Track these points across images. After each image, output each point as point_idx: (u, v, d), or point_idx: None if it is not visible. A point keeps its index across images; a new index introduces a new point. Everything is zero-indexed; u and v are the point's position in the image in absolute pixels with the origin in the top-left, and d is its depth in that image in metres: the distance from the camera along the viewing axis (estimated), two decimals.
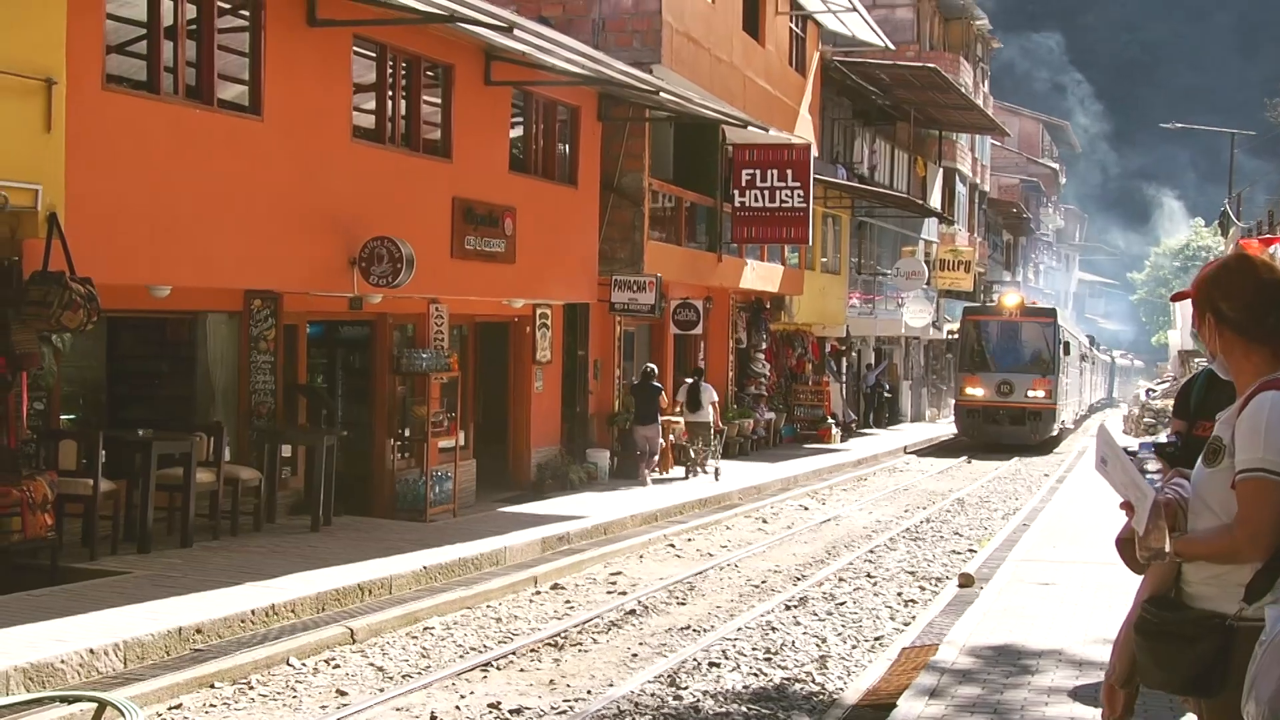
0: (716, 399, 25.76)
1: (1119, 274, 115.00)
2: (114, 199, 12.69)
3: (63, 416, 14.31)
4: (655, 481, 23.36)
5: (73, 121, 11.73)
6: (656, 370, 24.62)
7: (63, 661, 9.47)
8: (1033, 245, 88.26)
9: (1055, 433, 39.94)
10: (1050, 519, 18.81)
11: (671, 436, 25.17)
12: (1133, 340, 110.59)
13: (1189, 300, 4.39)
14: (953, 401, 41.66)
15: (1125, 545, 4.35)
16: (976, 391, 38.07)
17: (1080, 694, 8.61)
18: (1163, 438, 6.77)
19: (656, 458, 23.94)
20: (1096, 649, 9.72)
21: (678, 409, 25.25)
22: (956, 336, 41.35)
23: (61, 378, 13.66)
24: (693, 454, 25.20)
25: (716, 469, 25.05)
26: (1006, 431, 37.63)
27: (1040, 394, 37.77)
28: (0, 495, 11.78)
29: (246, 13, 14.78)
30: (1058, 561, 14.47)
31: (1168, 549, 4.11)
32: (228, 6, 14.65)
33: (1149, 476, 4.34)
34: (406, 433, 18.18)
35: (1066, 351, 40.00)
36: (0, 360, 11.70)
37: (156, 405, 16.07)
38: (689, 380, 25.80)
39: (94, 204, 12.26)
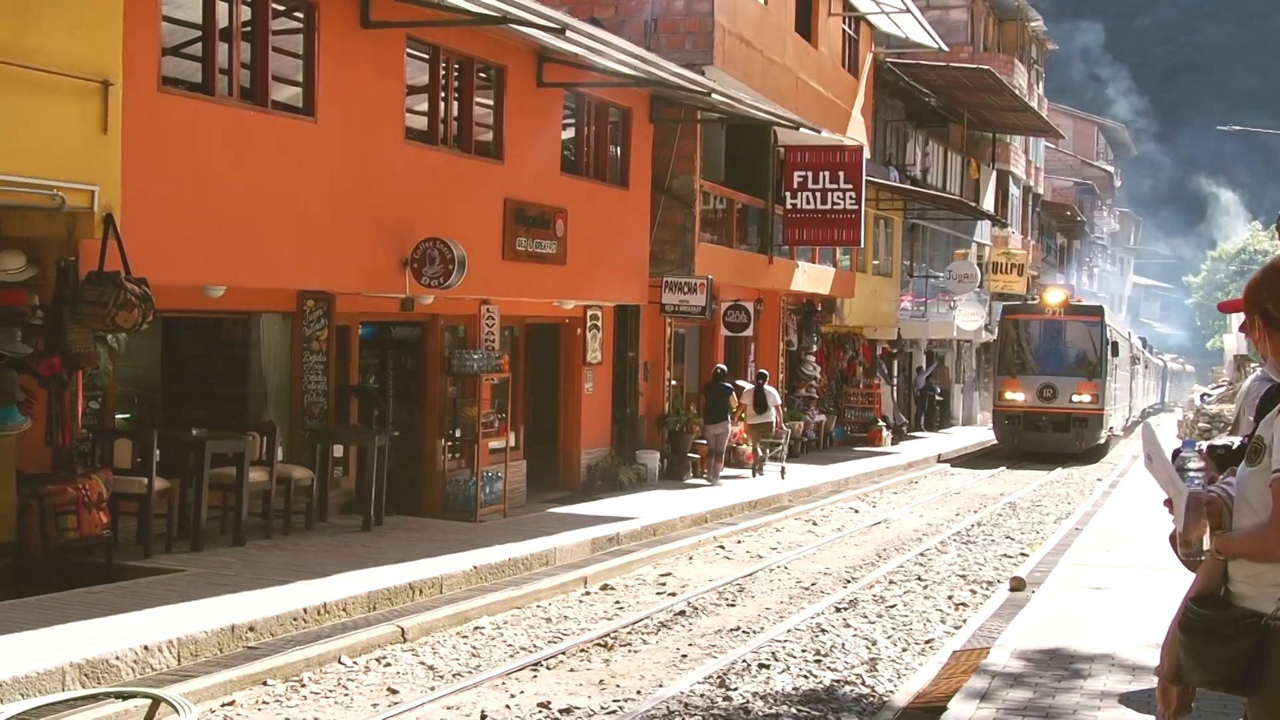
0: (780, 402, 26.36)
1: (1175, 278, 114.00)
2: (169, 199, 12.81)
3: (118, 416, 14.45)
4: (693, 483, 23.38)
5: (129, 123, 11.83)
6: (727, 370, 25.08)
7: (118, 658, 9.55)
8: (1087, 248, 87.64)
9: (1102, 440, 37.17)
10: (1103, 523, 18.66)
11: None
12: (1188, 345, 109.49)
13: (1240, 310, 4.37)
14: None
15: (1174, 542, 4.37)
16: (1016, 396, 35.62)
17: (1133, 699, 8.54)
18: (1219, 440, 6.71)
19: (721, 458, 24.35)
20: (1149, 654, 9.62)
21: (744, 410, 25.61)
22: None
23: (117, 377, 13.77)
24: (760, 453, 25.64)
25: (782, 468, 25.61)
26: (1049, 439, 35.18)
27: (1086, 398, 35.26)
28: (57, 493, 11.91)
29: (300, 15, 14.89)
30: (1110, 566, 14.35)
31: (1207, 546, 4.13)
32: (282, 9, 14.75)
33: (1189, 474, 4.35)
34: (457, 433, 18.22)
35: (1115, 352, 37.38)
36: (56, 360, 11.80)
37: (210, 405, 16.18)
38: (740, 383, 25.86)
39: (149, 204, 12.37)
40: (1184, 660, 4.26)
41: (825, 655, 11.23)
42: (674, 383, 25.43)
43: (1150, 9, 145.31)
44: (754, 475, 25.22)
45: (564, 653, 11.21)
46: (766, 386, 25.97)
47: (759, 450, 25.69)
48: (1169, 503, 4.25)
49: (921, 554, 17.47)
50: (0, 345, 11.55)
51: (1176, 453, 4.54)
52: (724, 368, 25.04)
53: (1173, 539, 4.42)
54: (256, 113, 14.08)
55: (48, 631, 10.00)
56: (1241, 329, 4.52)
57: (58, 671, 9.04)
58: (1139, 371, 54.70)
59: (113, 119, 11.59)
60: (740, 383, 26.18)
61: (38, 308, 11.92)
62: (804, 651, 11.36)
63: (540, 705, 9.48)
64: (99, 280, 11.69)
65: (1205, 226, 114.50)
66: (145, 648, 9.81)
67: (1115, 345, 37.40)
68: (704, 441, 24.49)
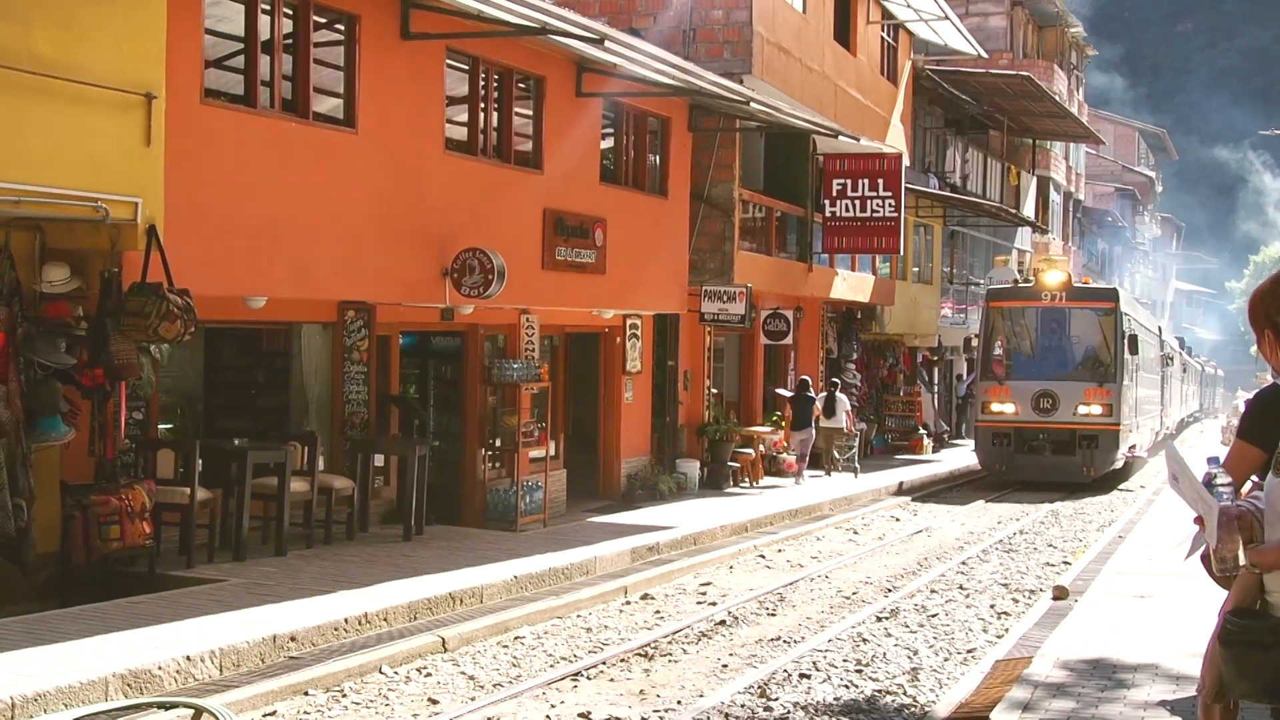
0: (850, 408, 27.70)
1: (1217, 283, 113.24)
2: (212, 211, 12.89)
3: (160, 426, 14.52)
4: (733, 491, 23.43)
5: (172, 135, 11.91)
6: (810, 381, 26.71)
7: (160, 668, 9.61)
8: (1128, 254, 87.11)
9: (1119, 464, 29.18)
10: (1147, 531, 18.54)
11: (762, 447, 25.27)
12: (1224, 349, 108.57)
13: None
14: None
15: (1207, 561, 4.34)
16: (1005, 408, 28.13)
17: (1177, 708, 8.48)
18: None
19: (805, 459, 26.03)
20: (1194, 663, 9.50)
21: (816, 416, 26.70)
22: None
23: (159, 388, 13.85)
24: (834, 454, 27.21)
25: (855, 468, 27.16)
26: (1048, 463, 27.76)
27: (1096, 410, 27.71)
28: (100, 504, 11.98)
29: (341, 27, 14.96)
30: (1154, 574, 14.24)
31: (1241, 560, 4.11)
32: (323, 21, 14.83)
33: (1218, 489, 4.33)
34: (497, 443, 18.25)
35: (1134, 349, 29.14)
36: (99, 371, 11.89)
37: (252, 415, 16.26)
38: (804, 393, 26.19)
39: (192, 216, 12.45)
40: (1225, 673, 4.24)
41: (866, 665, 11.19)
42: (714, 391, 25.45)
43: (1192, 13, 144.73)
44: (826, 474, 26.73)
45: (604, 662, 11.21)
46: (838, 394, 27.24)
47: (832, 453, 27.04)
48: (1200, 520, 4.23)
49: (963, 562, 17.39)
50: (44, 356, 11.65)
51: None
52: (807, 379, 26.69)
53: (1205, 559, 4.39)
54: (298, 124, 14.16)
55: (91, 641, 10.06)
56: None
57: (101, 681, 9.09)
58: (1173, 375, 45.12)
59: (156, 131, 11.67)
60: (780, 391, 26.72)
61: (81, 319, 12.01)
62: (845, 661, 11.32)
63: (581, 715, 9.49)
64: (142, 292, 11.79)
65: (1250, 225, 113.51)
66: (187, 658, 9.87)
67: (1134, 339, 29.38)
68: (746, 451, 24.65)
